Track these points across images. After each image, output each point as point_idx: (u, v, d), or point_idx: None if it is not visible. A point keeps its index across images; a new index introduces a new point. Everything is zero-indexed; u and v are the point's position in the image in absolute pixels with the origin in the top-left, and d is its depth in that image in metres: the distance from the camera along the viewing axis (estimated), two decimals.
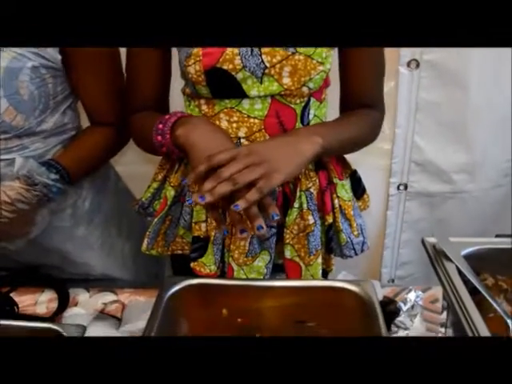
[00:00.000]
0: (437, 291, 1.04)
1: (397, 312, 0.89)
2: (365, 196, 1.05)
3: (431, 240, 0.77)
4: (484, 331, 0.58)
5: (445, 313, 0.87)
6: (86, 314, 0.96)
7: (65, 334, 0.67)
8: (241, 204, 0.69)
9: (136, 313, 0.93)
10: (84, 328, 0.69)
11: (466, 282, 0.68)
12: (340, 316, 0.80)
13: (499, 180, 1.51)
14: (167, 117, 0.81)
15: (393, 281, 1.66)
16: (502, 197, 1.53)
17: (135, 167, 1.28)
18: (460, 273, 0.69)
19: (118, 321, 0.95)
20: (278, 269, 0.95)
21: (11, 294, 1.02)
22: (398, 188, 1.51)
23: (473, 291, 0.66)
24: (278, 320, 0.81)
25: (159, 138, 0.81)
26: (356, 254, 0.98)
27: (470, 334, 0.58)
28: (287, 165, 0.73)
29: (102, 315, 0.97)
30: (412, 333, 0.86)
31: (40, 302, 1.03)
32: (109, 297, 1.03)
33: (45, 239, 1.00)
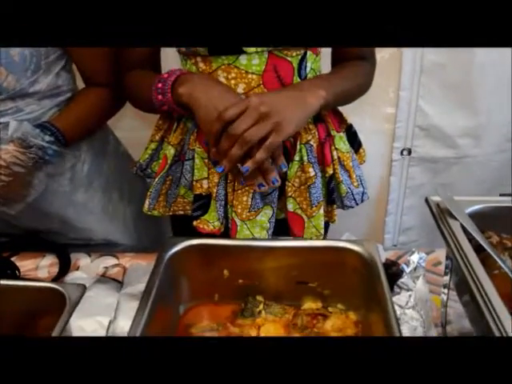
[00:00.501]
0: (439, 254, 1.03)
1: (399, 274, 0.88)
2: (361, 150, 1.06)
3: (435, 199, 0.75)
4: (489, 287, 0.57)
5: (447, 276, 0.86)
6: (87, 277, 0.96)
7: (65, 293, 0.67)
8: (250, 165, 0.75)
9: (137, 276, 0.92)
10: (84, 287, 0.68)
11: (471, 240, 0.67)
12: (342, 277, 0.79)
13: (502, 145, 1.49)
14: (166, 75, 0.81)
15: (395, 247, 1.65)
16: (505, 162, 1.51)
17: (134, 133, 1.26)
18: (465, 231, 0.68)
19: (120, 284, 0.95)
20: (281, 224, 0.95)
21: (12, 259, 1.02)
22: (402, 153, 1.49)
23: (477, 249, 0.65)
24: (280, 281, 0.80)
25: (160, 97, 0.81)
26: (357, 204, 0.99)
27: (476, 291, 0.57)
28: (295, 118, 0.75)
29: (104, 278, 0.96)
30: (415, 294, 0.85)
31: (41, 266, 1.03)
32: (110, 261, 1.03)
33: (44, 204, 0.99)
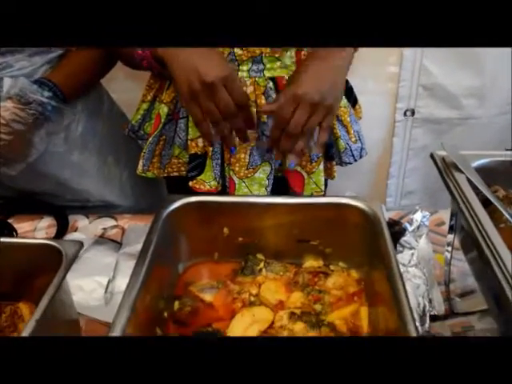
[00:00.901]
0: (443, 215, 1.02)
1: (402, 232, 0.86)
2: (357, 106, 1.03)
3: (440, 153, 0.73)
4: (497, 239, 0.56)
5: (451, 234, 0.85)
6: (85, 238, 0.95)
7: (62, 249, 0.65)
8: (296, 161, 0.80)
9: (136, 236, 0.91)
10: (81, 244, 0.67)
11: (477, 194, 0.65)
12: (344, 234, 0.77)
13: (504, 107, 1.46)
14: None
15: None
16: (508, 124, 1.47)
17: (127, 94, 1.23)
18: (471, 185, 0.66)
19: (118, 244, 0.94)
20: (280, 182, 0.93)
21: (9, 221, 1.00)
22: (405, 114, 1.46)
23: (483, 204, 0.64)
24: (280, 239, 0.79)
25: (139, 51, 0.79)
26: (355, 160, 0.97)
27: (483, 244, 0.56)
28: (338, 90, 0.77)
29: (102, 239, 0.95)
30: (418, 253, 0.84)
31: (39, 228, 1.02)
32: (108, 222, 1.02)
33: (39, 165, 0.97)
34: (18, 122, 0.82)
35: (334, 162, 0.99)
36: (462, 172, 0.67)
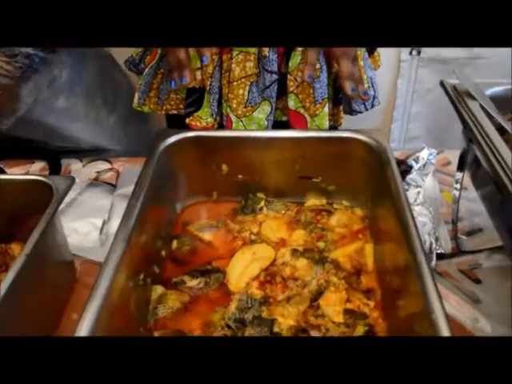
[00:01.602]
0: (449, 154, 0.98)
1: (407, 170, 0.83)
2: (375, 54, 0.96)
3: (451, 81, 0.69)
4: None
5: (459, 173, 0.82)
6: (79, 182, 0.91)
7: (52, 184, 0.62)
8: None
9: (131, 177, 0.86)
10: (73, 179, 0.64)
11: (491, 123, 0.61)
12: (348, 170, 0.74)
13: None
14: None
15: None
16: None
17: None
18: (484, 113, 0.62)
19: (113, 187, 0.90)
20: (282, 127, 0.88)
21: (1, 165, 0.97)
22: (411, 53, 1.40)
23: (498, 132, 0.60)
24: (282, 176, 0.76)
25: None
26: (366, 109, 0.91)
27: (501, 172, 0.52)
28: None
29: (97, 182, 0.92)
30: (424, 191, 0.81)
31: (31, 172, 0.98)
32: (102, 165, 0.98)
33: (25, 113, 0.92)
34: (5, 76, 0.78)
35: (342, 107, 0.92)
36: (476, 99, 0.63)
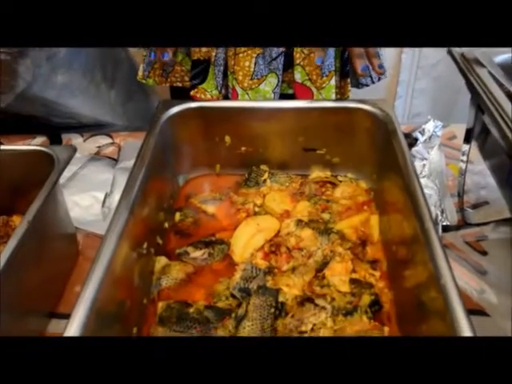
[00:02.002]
0: (454, 128, 0.97)
1: (413, 143, 0.82)
2: None
3: (459, 50, 0.67)
4: None
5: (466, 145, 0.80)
6: (80, 156, 0.90)
7: (54, 154, 0.61)
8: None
9: (132, 151, 0.84)
10: (74, 149, 0.63)
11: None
12: (353, 142, 0.73)
13: None
14: None
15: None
16: None
17: None
18: (494, 80, 0.60)
19: (115, 161, 0.89)
20: (288, 99, 0.86)
21: (1, 141, 0.96)
22: None
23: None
24: (286, 148, 0.74)
25: None
26: (373, 82, 0.90)
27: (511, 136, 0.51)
28: None
29: (98, 157, 0.91)
30: (429, 164, 0.80)
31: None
32: (104, 140, 0.97)
33: (24, 90, 0.91)
34: (2, 52, 0.78)
35: (349, 80, 0.91)
36: (484, 67, 0.62)
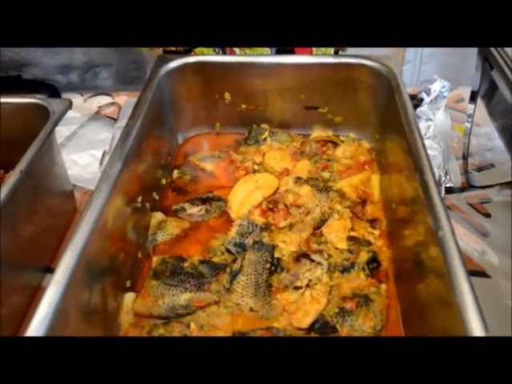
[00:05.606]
0: (462, 91, 0.94)
1: (418, 104, 0.80)
2: None
3: None
4: None
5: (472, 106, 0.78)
6: (80, 116, 0.89)
7: (49, 107, 0.60)
8: None
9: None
10: (70, 102, 0.62)
11: None
12: (355, 100, 0.71)
13: None
14: None
15: None
16: None
17: None
18: None
19: (115, 121, 0.88)
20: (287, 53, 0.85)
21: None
22: None
23: None
24: (287, 106, 0.73)
25: None
26: None
27: None
28: None
29: (98, 116, 0.90)
30: (435, 125, 0.78)
31: None
32: (104, 99, 0.95)
33: None
34: None
35: None
36: None
